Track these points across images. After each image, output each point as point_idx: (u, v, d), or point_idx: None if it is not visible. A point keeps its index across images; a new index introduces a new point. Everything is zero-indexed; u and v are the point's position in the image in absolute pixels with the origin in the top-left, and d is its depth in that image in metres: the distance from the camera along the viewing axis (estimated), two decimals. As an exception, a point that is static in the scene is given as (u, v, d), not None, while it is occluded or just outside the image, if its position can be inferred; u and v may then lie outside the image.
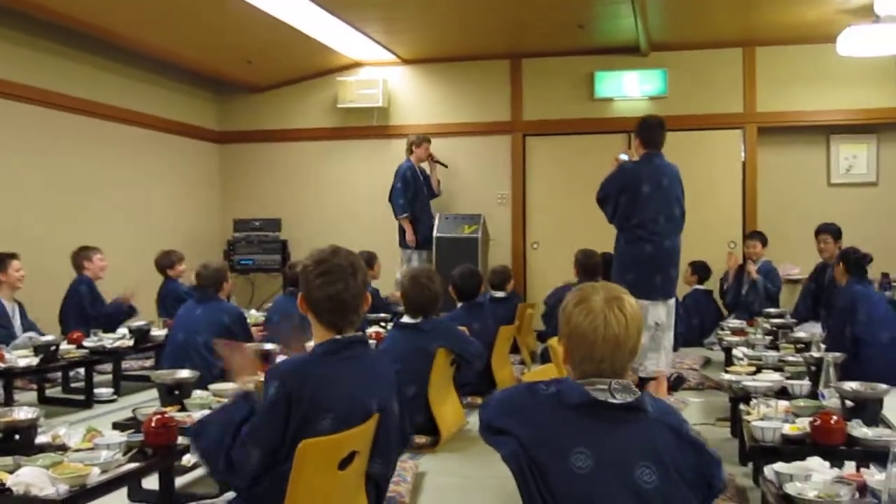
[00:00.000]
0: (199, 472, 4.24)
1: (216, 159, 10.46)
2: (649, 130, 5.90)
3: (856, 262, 6.14)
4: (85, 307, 7.12)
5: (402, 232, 9.02)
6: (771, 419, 3.48)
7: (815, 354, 4.61)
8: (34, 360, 5.53)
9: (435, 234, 8.90)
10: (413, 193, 9.03)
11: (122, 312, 7.21)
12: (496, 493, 3.87)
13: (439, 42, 9.33)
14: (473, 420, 5.27)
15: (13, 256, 6.42)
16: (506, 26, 8.73)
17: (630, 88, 9.45)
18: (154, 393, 6.02)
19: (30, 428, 3.13)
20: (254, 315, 7.72)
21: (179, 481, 3.82)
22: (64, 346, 5.94)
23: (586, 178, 8.86)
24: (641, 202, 5.72)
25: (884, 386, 3.56)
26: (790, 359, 5.10)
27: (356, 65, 9.97)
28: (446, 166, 9.34)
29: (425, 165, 9.21)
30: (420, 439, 4.65)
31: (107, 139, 8.60)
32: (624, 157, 6.07)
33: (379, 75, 9.85)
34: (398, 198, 8.96)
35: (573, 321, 2.16)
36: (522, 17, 8.33)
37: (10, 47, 7.39)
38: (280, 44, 8.67)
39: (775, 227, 8.93)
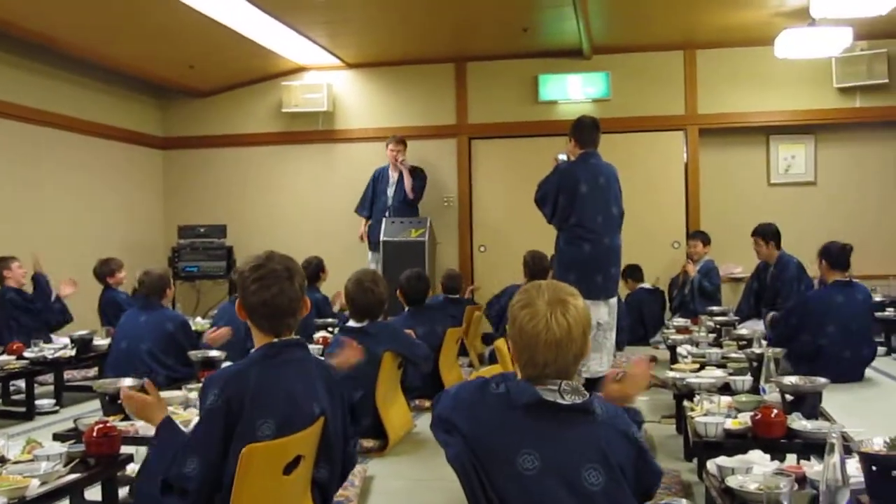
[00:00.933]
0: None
1: (160, 165, 10.33)
2: (583, 130, 5.96)
3: (838, 255, 6.28)
4: (17, 316, 7.00)
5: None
6: (714, 414, 3.54)
7: (757, 350, 4.69)
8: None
9: (381, 237, 8.89)
10: (371, 196, 9.23)
11: (48, 299, 7.13)
12: (445, 496, 3.86)
13: (384, 46, 9.32)
14: (421, 423, 5.28)
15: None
16: (450, 29, 8.75)
17: (574, 91, 9.52)
18: (98, 403, 5.95)
19: (-35, 440, 3.05)
20: (199, 322, 7.62)
21: (123, 492, 3.76)
22: (3, 357, 5.82)
23: (532, 180, 8.77)
24: (579, 202, 5.77)
25: (822, 380, 3.62)
26: (733, 355, 5.19)
27: (300, 69, 9.92)
28: (419, 172, 9.26)
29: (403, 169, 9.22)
30: (368, 443, 4.63)
31: (48, 146, 8.45)
32: (562, 157, 6.12)
33: (323, 79, 9.82)
34: (361, 198, 9.27)
35: (517, 323, 2.16)
36: (466, 20, 8.36)
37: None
38: (223, 48, 8.59)
39: (718, 226, 9.05)
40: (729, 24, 8.45)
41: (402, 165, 9.18)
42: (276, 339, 2.71)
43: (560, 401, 2.09)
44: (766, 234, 7.54)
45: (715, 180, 9.41)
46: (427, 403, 5.75)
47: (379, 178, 9.27)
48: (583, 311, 2.19)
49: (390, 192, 9.19)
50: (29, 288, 7.26)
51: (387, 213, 9.12)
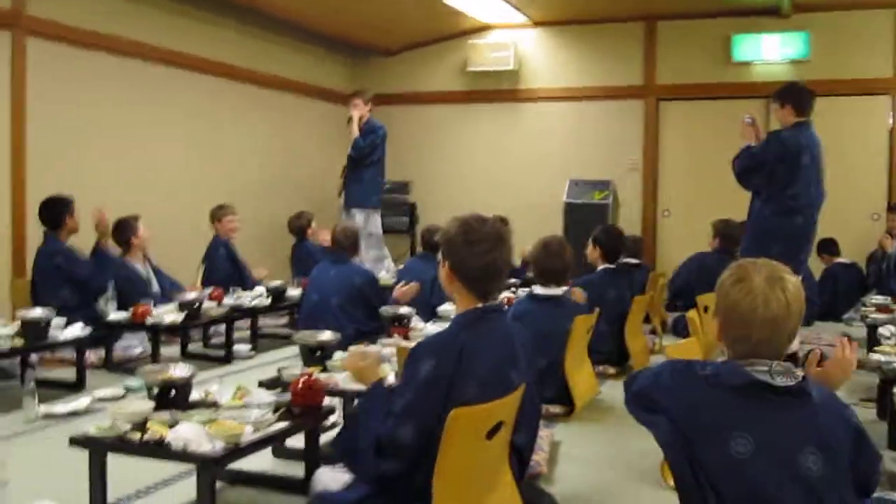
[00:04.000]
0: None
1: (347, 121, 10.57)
2: (803, 97, 5.66)
3: None
4: (220, 267, 7.33)
5: None
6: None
7: (973, 336, 4.39)
8: (179, 317, 5.75)
9: (565, 199, 8.81)
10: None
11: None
12: (634, 464, 3.83)
13: (572, 4, 9.19)
14: (606, 390, 5.24)
15: (136, 219, 6.65)
16: (641, -13, 8.52)
17: (769, 52, 9.10)
18: (289, 351, 6.23)
19: (185, 385, 3.24)
20: (384, 277, 7.80)
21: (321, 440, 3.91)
22: (206, 303, 6.15)
23: (722, 144, 8.61)
24: (799, 173, 5.52)
25: None
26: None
27: (487, 28, 9.91)
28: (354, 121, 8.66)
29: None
30: (554, 409, 4.63)
31: (242, 102, 8.80)
32: (748, 120, 5.85)
33: (510, 38, 9.77)
34: None
35: (731, 299, 2.08)
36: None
37: (146, 10, 7.57)
38: (411, 6, 8.66)
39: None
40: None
41: (348, 120, 8.67)
42: (480, 304, 2.73)
43: (774, 382, 2.01)
44: None
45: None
46: (612, 370, 5.71)
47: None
48: (799, 288, 2.11)
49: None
50: (242, 245, 7.63)
51: (348, 172, 8.68)
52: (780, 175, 5.54)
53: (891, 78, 8.81)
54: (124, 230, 6.50)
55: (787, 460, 1.97)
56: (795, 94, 5.68)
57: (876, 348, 4.88)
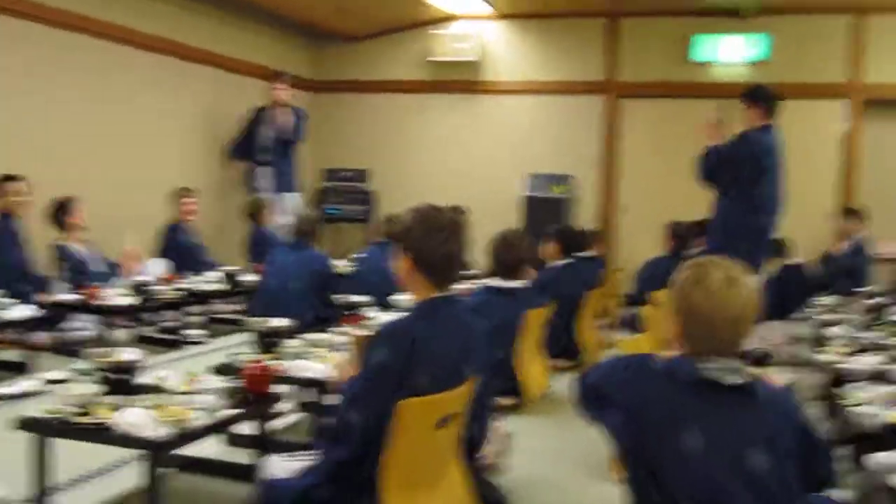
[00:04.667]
0: (292, 418, 4.34)
1: (308, 108, 10.46)
2: (770, 100, 5.76)
3: None
4: (172, 249, 7.27)
5: None
6: (872, 405, 3.39)
7: (919, 338, 4.47)
8: (130, 300, 5.68)
9: (524, 192, 8.83)
10: (249, 136, 8.84)
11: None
12: (584, 457, 3.86)
13: (536, -3, 9.19)
14: (557, 384, 5.27)
15: (74, 200, 6.51)
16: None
17: (729, 53, 9.19)
18: (242, 337, 6.17)
19: (134, 369, 3.20)
20: (341, 264, 7.78)
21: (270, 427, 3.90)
22: (158, 287, 6.08)
23: (680, 143, 8.74)
24: (766, 172, 5.62)
25: None
26: (891, 341, 4.95)
27: (450, 18, 9.88)
28: (286, 106, 8.74)
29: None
30: (505, 401, 4.65)
31: (199, 84, 8.69)
32: (714, 119, 5.92)
33: (473, 29, 9.76)
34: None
35: (691, 300, 2.09)
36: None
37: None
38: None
39: (878, 203, 8.60)
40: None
41: (283, 105, 8.73)
42: (436, 294, 2.73)
43: (723, 380, 2.03)
44: None
45: (878, 154, 8.94)
46: (565, 363, 5.75)
47: (255, 119, 8.79)
48: (755, 288, 2.13)
49: (270, 133, 8.72)
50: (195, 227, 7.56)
51: (266, 156, 8.72)
52: (748, 175, 5.64)
53: (845, 83, 8.94)
54: (60, 211, 6.26)
55: (735, 457, 2.00)
56: (764, 96, 5.77)
57: (822, 348, 4.95)
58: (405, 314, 2.76)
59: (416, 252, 2.69)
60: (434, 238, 2.67)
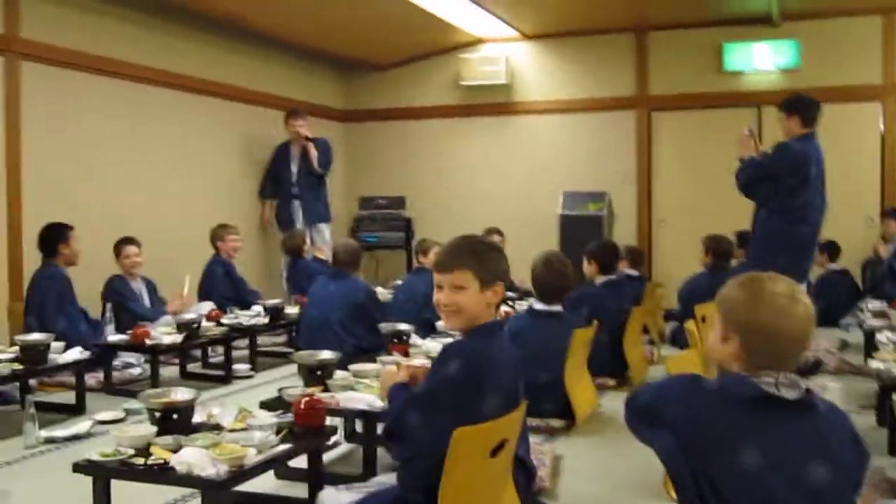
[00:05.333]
0: (342, 450, 4.36)
1: (341, 138, 10.60)
2: (810, 109, 5.72)
3: None
4: (218, 286, 7.34)
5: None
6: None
7: (972, 342, 4.40)
8: (178, 338, 5.75)
9: (560, 211, 8.83)
10: (276, 174, 8.99)
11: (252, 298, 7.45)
12: (635, 475, 3.83)
13: (563, 16, 9.22)
14: (605, 402, 5.25)
15: (128, 242, 6.64)
16: (631, -2, 8.56)
17: (760, 60, 9.15)
18: (288, 369, 6.23)
19: (188, 408, 3.24)
20: (380, 292, 7.82)
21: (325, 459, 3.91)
22: (203, 323, 6.15)
23: (715, 153, 8.71)
24: (807, 182, 5.58)
25: None
26: (941, 345, 4.89)
27: (478, 41, 9.95)
28: (309, 139, 8.92)
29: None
30: (555, 423, 4.64)
31: (234, 120, 8.81)
32: (746, 131, 5.91)
33: (501, 52, 9.82)
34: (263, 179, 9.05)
35: (755, 317, 2.05)
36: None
37: (139, 31, 7.59)
38: (402, 20, 8.70)
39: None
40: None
41: (306, 139, 8.91)
42: (498, 318, 2.77)
43: (782, 395, 2.01)
44: None
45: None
46: (611, 382, 5.72)
47: (279, 156, 9.00)
48: (811, 303, 2.11)
49: (294, 167, 8.94)
50: (240, 264, 7.68)
51: (294, 190, 8.92)
52: (788, 185, 5.58)
53: (880, 85, 8.86)
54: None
55: (796, 473, 1.97)
56: (804, 106, 5.72)
57: (874, 354, 4.90)
58: (470, 336, 2.73)
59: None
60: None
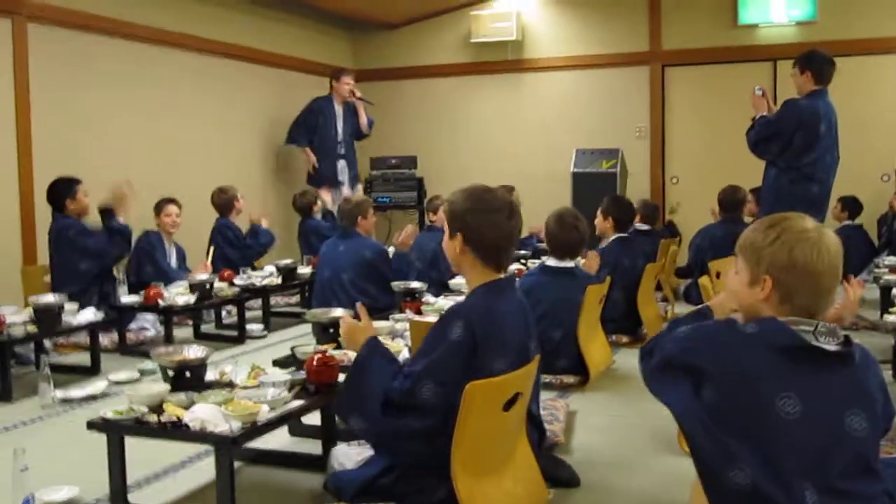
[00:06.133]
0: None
1: (351, 98, 10.55)
2: (823, 65, 5.65)
3: None
4: (230, 247, 7.32)
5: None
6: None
7: None
8: (191, 299, 5.76)
9: (572, 169, 8.77)
10: (314, 127, 8.78)
11: (259, 235, 7.42)
12: (648, 431, 3.83)
13: (575, -29, 9.08)
14: (619, 358, 5.24)
15: (170, 201, 6.66)
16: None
17: (776, 13, 9.00)
18: (301, 329, 6.24)
19: (200, 366, 3.24)
20: (392, 251, 7.80)
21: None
22: (217, 284, 6.15)
23: (729, 109, 8.62)
24: (818, 141, 5.52)
25: None
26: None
27: (488, -2, 9.84)
28: (371, 103, 8.99)
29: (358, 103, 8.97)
30: (568, 379, 4.64)
31: (244, 80, 8.75)
32: (759, 91, 5.85)
33: (512, 8, 9.69)
34: (291, 127, 8.84)
35: (790, 254, 2.02)
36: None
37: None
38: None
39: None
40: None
41: (357, 99, 8.89)
42: (500, 275, 2.73)
43: (822, 345, 1.97)
44: None
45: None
46: (625, 338, 5.71)
47: (320, 112, 8.82)
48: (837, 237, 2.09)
49: (340, 126, 8.86)
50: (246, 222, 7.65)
51: (341, 150, 8.87)
52: (797, 143, 5.53)
53: (899, 36, 8.71)
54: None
55: (834, 422, 1.96)
56: (816, 62, 5.65)
57: (890, 310, 4.86)
58: (473, 294, 2.73)
59: (472, 234, 2.68)
60: (490, 219, 2.66)
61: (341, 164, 8.93)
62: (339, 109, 8.94)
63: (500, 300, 2.67)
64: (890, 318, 4.46)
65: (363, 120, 9.03)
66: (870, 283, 7.48)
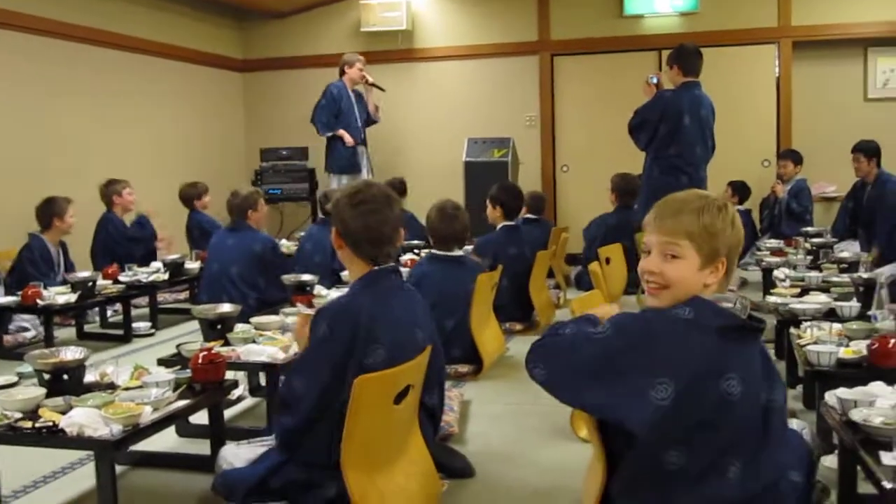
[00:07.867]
0: (246, 404, 4.27)
1: (240, 88, 10.33)
2: (689, 58, 5.87)
3: None
4: (114, 243, 7.07)
5: (327, 154, 8.79)
6: (825, 343, 3.41)
7: (864, 275, 4.53)
8: (72, 297, 5.53)
9: (464, 158, 8.78)
10: (338, 113, 8.72)
11: (144, 229, 7.24)
12: (543, 419, 3.85)
13: (463, -39, 9.08)
14: (513, 346, 5.26)
15: (69, 201, 6.37)
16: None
17: (660, 4, 9.19)
18: (190, 326, 6.08)
19: (78, 368, 3.10)
20: (285, 244, 7.69)
21: (226, 414, 3.82)
22: (100, 281, 5.93)
23: (617, 98, 8.76)
24: (681, 133, 5.74)
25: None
26: (835, 279, 5.02)
27: (378, -13, 9.74)
28: (383, 90, 8.96)
29: (362, 89, 8.92)
30: (462, 368, 4.63)
31: (129, 71, 8.45)
32: (654, 79, 6.00)
33: (402, -3, 9.64)
34: (321, 115, 8.71)
35: (739, 234, 2.11)
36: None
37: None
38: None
39: (810, 144, 8.74)
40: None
41: (370, 85, 8.88)
42: (375, 267, 2.72)
43: (748, 322, 2.02)
44: (868, 150, 7.23)
45: (808, 96, 9.04)
46: (518, 326, 5.74)
47: (341, 98, 8.74)
48: None
49: (358, 112, 8.81)
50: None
51: (361, 137, 8.82)
52: (662, 134, 5.79)
53: (776, 27, 8.99)
54: (50, 209, 6.15)
55: (761, 395, 2.02)
56: (681, 56, 5.92)
57: (772, 291, 5.01)
58: (347, 291, 2.77)
59: (345, 227, 2.71)
60: (361, 212, 2.67)
61: (360, 149, 8.78)
62: (352, 95, 8.80)
63: (374, 293, 2.66)
64: (771, 298, 4.59)
65: (372, 106, 8.93)
66: (752, 266, 7.73)
